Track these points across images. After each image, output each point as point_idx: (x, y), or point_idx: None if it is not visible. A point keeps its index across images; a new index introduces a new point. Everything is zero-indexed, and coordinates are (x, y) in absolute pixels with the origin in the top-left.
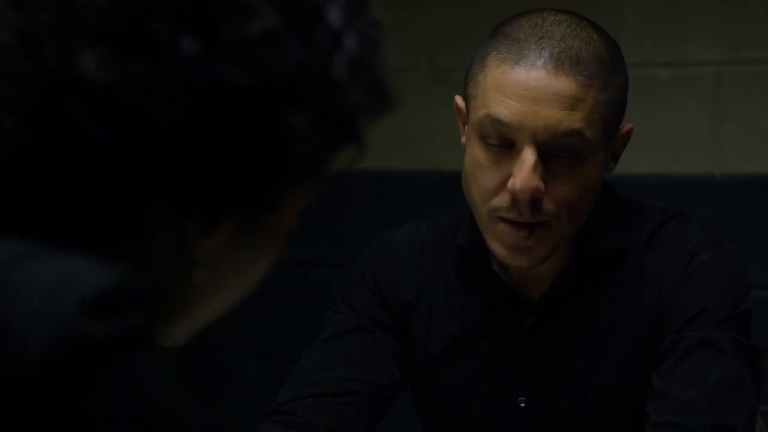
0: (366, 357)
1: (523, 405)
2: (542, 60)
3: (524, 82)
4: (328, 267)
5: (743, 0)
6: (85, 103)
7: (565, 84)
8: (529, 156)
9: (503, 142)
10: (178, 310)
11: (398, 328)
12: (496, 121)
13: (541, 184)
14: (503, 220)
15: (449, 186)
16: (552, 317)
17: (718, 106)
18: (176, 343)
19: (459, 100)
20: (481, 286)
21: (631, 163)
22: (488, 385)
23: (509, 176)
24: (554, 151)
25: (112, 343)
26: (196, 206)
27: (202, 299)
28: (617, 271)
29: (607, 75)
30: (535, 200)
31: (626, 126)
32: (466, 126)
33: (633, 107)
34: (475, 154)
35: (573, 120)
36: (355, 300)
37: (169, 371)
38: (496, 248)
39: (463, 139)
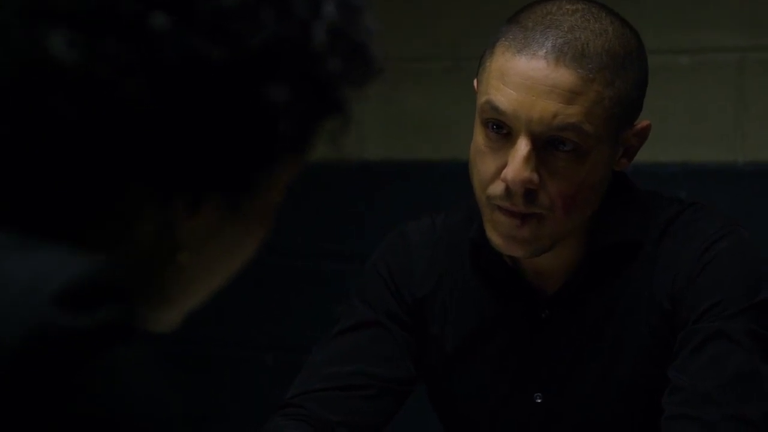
0: (379, 351)
1: (539, 400)
2: (544, 50)
3: (524, 72)
4: (347, 258)
5: None
6: (57, 85)
7: (564, 76)
8: (522, 147)
9: (502, 130)
10: (164, 294)
11: (413, 323)
12: (494, 109)
13: (534, 176)
14: (499, 208)
15: (468, 176)
16: (566, 311)
17: (740, 92)
18: (166, 328)
19: (476, 83)
20: (494, 280)
21: (651, 152)
22: (504, 380)
23: (505, 165)
24: (552, 144)
25: (90, 335)
26: (177, 186)
27: (189, 282)
28: (632, 263)
29: (616, 69)
30: (529, 191)
31: (642, 122)
32: None
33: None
34: (477, 139)
35: (570, 114)
36: (370, 294)
37: (151, 362)
38: (492, 236)
39: None
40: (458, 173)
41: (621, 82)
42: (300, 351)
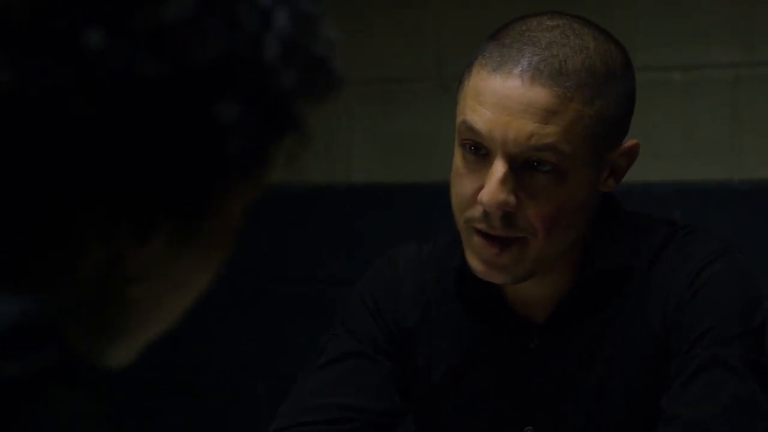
0: (364, 384)
1: None
2: (519, 68)
3: (499, 91)
4: (339, 285)
5: None
6: None
7: (540, 95)
8: (498, 168)
9: (479, 151)
10: (116, 330)
11: (399, 353)
12: (470, 129)
13: (511, 198)
14: (478, 232)
15: None
16: (556, 340)
17: (735, 109)
18: (121, 364)
19: None
20: (481, 310)
21: (645, 171)
22: (493, 412)
23: (483, 187)
24: (530, 165)
25: (19, 384)
26: (123, 214)
27: (143, 315)
28: (624, 290)
29: (597, 87)
30: (506, 214)
31: (629, 142)
32: None
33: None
34: (456, 160)
35: (546, 134)
36: (355, 324)
37: (92, 406)
38: (472, 262)
39: None
40: (446, 196)
41: (602, 100)
42: (291, 379)
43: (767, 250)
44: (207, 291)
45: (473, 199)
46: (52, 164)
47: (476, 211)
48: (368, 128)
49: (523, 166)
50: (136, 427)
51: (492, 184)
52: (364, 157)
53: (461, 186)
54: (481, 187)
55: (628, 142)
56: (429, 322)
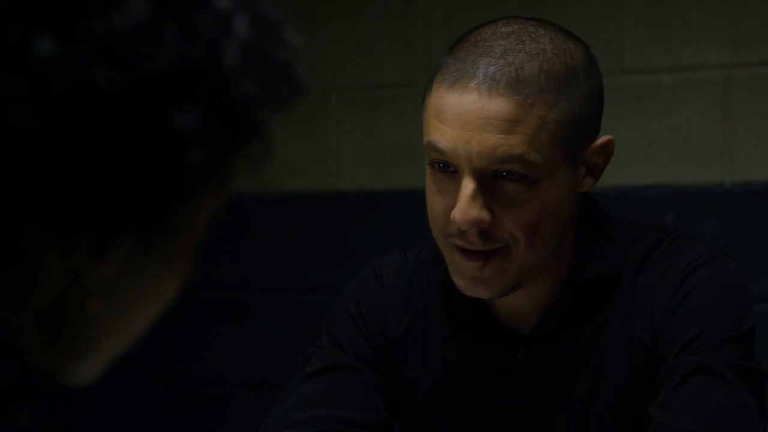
0: (350, 396)
1: None
2: (475, 81)
3: (458, 107)
4: (330, 292)
5: None
6: None
7: (499, 106)
8: (467, 185)
9: (448, 168)
10: (77, 344)
11: (385, 364)
12: (435, 149)
13: (484, 214)
14: (458, 248)
15: None
16: (543, 350)
17: (726, 111)
18: (83, 381)
19: None
20: (467, 322)
21: (637, 174)
22: (480, 424)
23: (455, 204)
24: (500, 177)
25: None
26: (81, 228)
27: (105, 331)
28: (610, 298)
29: (558, 90)
30: (482, 229)
31: (603, 138)
32: None
33: (636, 115)
34: (427, 179)
35: (511, 144)
36: (340, 334)
37: (49, 425)
38: (456, 280)
39: None
40: None
41: (566, 102)
42: (283, 388)
43: (760, 252)
44: (174, 302)
45: (448, 217)
46: (2, 179)
47: (453, 228)
48: (357, 135)
49: (493, 179)
50: None
51: (462, 202)
52: (353, 164)
53: (435, 204)
54: (453, 205)
55: (602, 138)
56: (415, 333)
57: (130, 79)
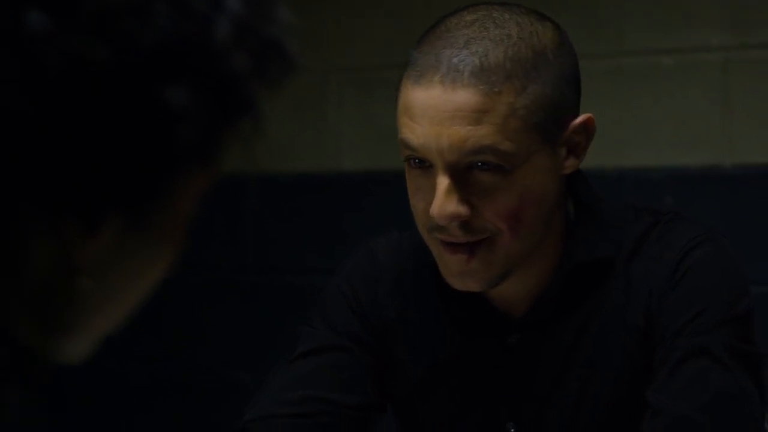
0: (341, 377)
1: (512, 430)
2: (439, 74)
3: (424, 102)
4: (329, 274)
5: None
6: None
7: (465, 97)
8: (441, 181)
9: (424, 164)
10: (67, 325)
11: (378, 346)
12: (407, 146)
13: (461, 208)
14: (443, 242)
15: None
16: (536, 335)
17: (726, 93)
18: (74, 360)
19: None
20: (460, 306)
21: (636, 157)
22: (474, 409)
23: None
24: (474, 167)
25: None
26: (72, 204)
27: (94, 309)
28: (605, 282)
29: (526, 74)
30: (463, 223)
31: (582, 117)
32: None
33: (636, 97)
34: (407, 175)
35: (481, 135)
36: (333, 315)
37: (35, 408)
38: (445, 276)
39: None
40: None
41: (536, 86)
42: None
43: (759, 234)
44: (167, 282)
45: (428, 212)
46: None
47: (434, 223)
48: (357, 116)
49: (467, 171)
50: (125, 419)
51: (438, 197)
52: (354, 145)
53: (416, 200)
54: (432, 200)
55: (581, 117)
56: (408, 316)
57: (122, 54)
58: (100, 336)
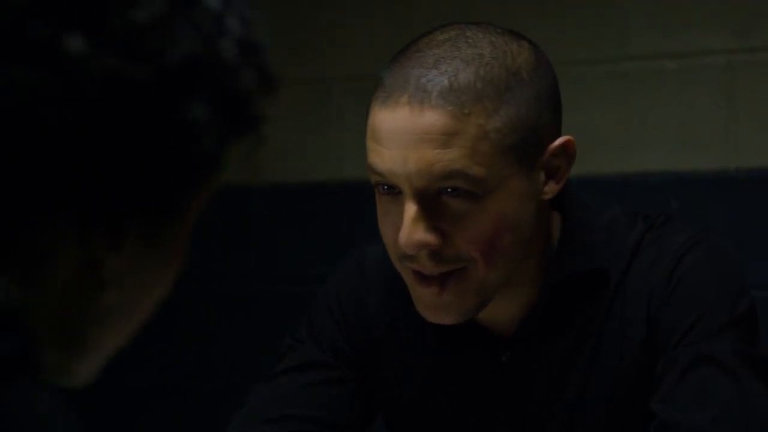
0: (325, 395)
1: None
2: (406, 95)
3: (390, 125)
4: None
5: None
6: None
7: (432, 119)
8: (409, 208)
9: (393, 190)
10: (84, 339)
11: (364, 363)
12: (375, 172)
13: (430, 237)
14: (415, 274)
15: None
16: (528, 353)
17: (730, 96)
18: (83, 381)
19: None
20: (448, 325)
21: (640, 161)
22: (467, 428)
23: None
24: (443, 193)
25: None
26: (100, 217)
27: (112, 324)
28: (600, 294)
29: (499, 95)
30: (432, 252)
31: (561, 139)
32: None
33: (640, 101)
34: (377, 201)
35: (449, 159)
36: (318, 329)
37: (53, 408)
38: (417, 306)
39: None
40: None
41: (509, 107)
42: None
43: (764, 238)
44: (172, 293)
45: (398, 241)
46: (28, 170)
47: (404, 252)
48: (360, 125)
49: (437, 197)
50: (131, 427)
51: (405, 225)
52: (356, 153)
53: (384, 228)
54: (400, 228)
55: (560, 139)
56: (397, 332)
57: (152, 71)
58: (110, 355)
